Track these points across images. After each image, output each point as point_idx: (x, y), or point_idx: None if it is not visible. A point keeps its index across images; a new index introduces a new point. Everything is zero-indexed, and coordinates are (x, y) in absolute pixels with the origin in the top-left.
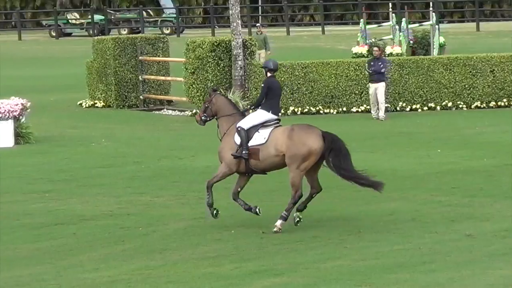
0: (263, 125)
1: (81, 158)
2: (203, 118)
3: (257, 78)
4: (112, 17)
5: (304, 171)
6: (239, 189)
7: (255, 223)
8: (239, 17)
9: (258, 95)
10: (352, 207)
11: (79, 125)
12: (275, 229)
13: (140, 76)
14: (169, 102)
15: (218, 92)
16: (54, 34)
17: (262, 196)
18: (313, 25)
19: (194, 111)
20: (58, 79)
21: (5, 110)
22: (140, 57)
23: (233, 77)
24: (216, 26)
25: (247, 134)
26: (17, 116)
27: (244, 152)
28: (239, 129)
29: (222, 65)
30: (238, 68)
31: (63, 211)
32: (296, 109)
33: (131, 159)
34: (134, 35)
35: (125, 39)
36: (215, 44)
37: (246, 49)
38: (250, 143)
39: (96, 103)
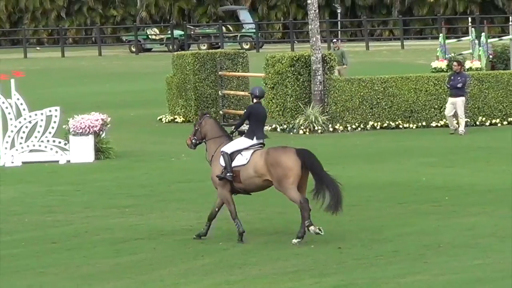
0: (246, 148)
1: (161, 173)
2: (193, 141)
3: (336, 93)
4: (192, 32)
5: (293, 184)
6: (217, 209)
7: (335, 237)
8: (319, 32)
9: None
10: (431, 221)
11: (159, 140)
12: (315, 231)
13: (219, 91)
14: None
15: (208, 115)
16: (134, 49)
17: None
18: (392, 40)
19: (273, 126)
20: (138, 94)
21: (86, 126)
22: (219, 72)
23: (312, 92)
24: (295, 41)
25: (230, 156)
26: (98, 132)
27: (228, 174)
28: (222, 153)
29: (301, 80)
30: (318, 83)
31: (143, 226)
32: (375, 124)
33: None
34: (213, 50)
35: (205, 54)
36: (295, 59)
37: (325, 64)
38: (233, 164)
39: (176, 118)
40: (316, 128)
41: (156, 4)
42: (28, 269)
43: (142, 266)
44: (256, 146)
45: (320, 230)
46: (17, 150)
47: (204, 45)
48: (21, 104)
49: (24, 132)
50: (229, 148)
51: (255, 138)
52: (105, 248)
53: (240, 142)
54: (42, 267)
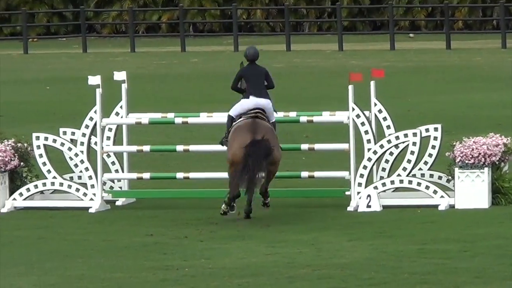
0: (245, 114)
1: None
2: None
3: None
4: None
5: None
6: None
7: None
8: None
9: None
10: None
11: None
12: (224, 210)
13: None
14: None
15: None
16: None
17: None
18: None
19: None
20: None
21: (480, 154)
22: None
23: None
24: None
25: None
26: (497, 163)
27: (224, 139)
28: (227, 116)
29: None
30: None
31: None
32: None
33: None
34: None
35: None
36: None
37: None
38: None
39: None
40: None
41: None
42: None
43: None
44: (251, 113)
45: (225, 213)
46: (376, 188)
47: None
48: (384, 118)
49: (387, 161)
50: (233, 110)
51: (251, 96)
52: None
53: (242, 103)
54: None
